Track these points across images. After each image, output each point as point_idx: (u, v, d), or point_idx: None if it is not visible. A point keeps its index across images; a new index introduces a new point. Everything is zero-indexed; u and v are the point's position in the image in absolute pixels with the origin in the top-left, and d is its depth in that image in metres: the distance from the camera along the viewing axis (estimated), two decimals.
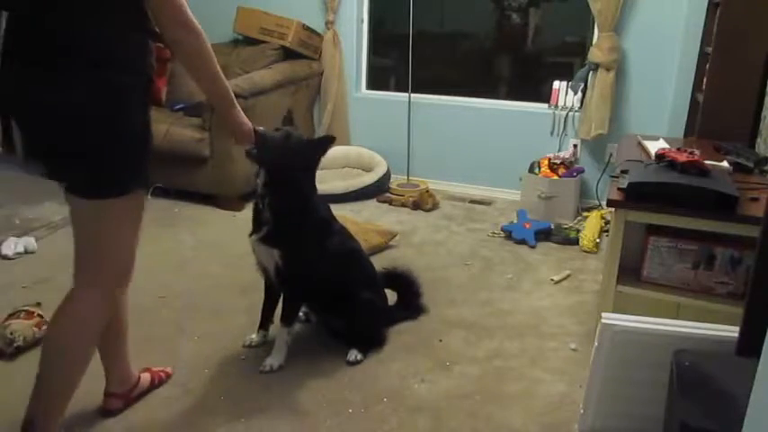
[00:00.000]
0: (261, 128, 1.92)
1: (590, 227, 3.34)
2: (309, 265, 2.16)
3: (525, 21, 4.22)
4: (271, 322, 2.33)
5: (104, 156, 1.53)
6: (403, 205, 3.83)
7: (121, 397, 1.93)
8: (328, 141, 2.13)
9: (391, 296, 2.50)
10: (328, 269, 2.20)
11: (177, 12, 1.52)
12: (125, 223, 1.64)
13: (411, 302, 2.53)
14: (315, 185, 2.18)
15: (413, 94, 4.06)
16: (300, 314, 2.36)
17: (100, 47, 1.48)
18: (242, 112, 1.78)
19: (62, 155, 1.53)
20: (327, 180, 3.99)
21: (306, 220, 2.15)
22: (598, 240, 3.26)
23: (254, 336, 2.32)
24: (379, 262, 2.60)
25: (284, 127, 2.14)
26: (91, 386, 1.84)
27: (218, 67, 1.66)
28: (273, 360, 2.16)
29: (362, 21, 4.31)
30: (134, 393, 1.96)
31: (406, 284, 2.52)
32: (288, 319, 2.20)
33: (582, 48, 3.85)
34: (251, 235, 2.19)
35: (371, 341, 2.30)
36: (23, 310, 2.28)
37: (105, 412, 1.92)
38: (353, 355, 2.22)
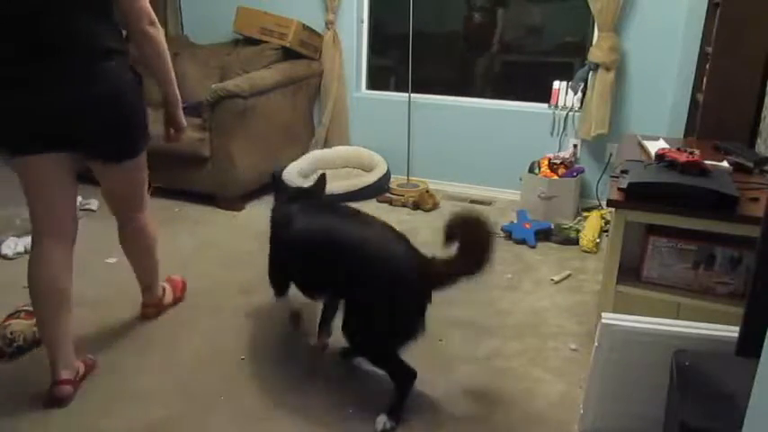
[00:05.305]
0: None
1: (590, 227, 3.34)
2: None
3: (527, 21, 4.22)
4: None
5: (139, 125, 2.01)
6: (403, 205, 3.83)
7: (73, 383, 1.98)
8: None
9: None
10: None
11: (147, 8, 1.89)
12: (145, 167, 2.15)
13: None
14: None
15: (413, 94, 4.06)
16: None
17: (117, 39, 1.90)
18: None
19: (110, 134, 1.93)
20: (327, 180, 3.99)
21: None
22: (598, 240, 3.26)
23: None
24: None
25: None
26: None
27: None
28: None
29: (362, 21, 4.31)
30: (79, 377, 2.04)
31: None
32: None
33: (582, 48, 3.85)
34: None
35: None
36: (23, 310, 2.28)
37: (55, 400, 1.93)
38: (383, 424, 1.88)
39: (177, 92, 2.08)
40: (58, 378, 1.93)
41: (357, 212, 2.09)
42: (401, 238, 1.95)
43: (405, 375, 1.91)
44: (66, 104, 1.80)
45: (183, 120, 2.14)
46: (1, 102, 1.80)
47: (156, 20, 1.92)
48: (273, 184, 2.50)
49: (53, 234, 1.93)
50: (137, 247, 2.29)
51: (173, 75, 2.03)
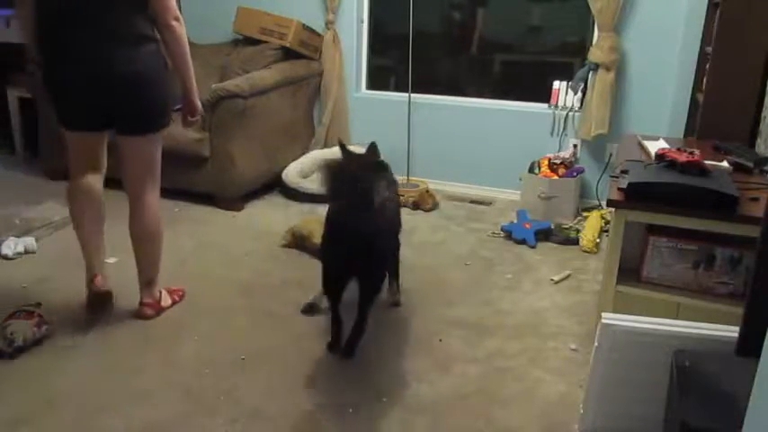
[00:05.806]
0: None
1: (590, 227, 3.34)
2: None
3: (527, 20, 4.22)
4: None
5: (163, 102, 2.31)
6: (403, 205, 3.83)
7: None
8: None
9: None
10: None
11: (173, 5, 2.18)
12: (161, 146, 2.39)
13: None
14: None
15: (413, 94, 4.06)
16: None
17: (151, 28, 2.21)
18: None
19: (138, 109, 2.25)
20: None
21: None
22: (598, 240, 3.26)
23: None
24: None
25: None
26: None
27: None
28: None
29: (362, 21, 4.31)
30: None
31: None
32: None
33: (582, 48, 3.85)
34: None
35: None
36: (23, 310, 2.28)
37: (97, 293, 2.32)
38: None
39: (194, 80, 2.33)
40: (95, 276, 2.37)
41: (368, 170, 2.31)
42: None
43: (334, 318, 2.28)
44: (111, 80, 2.15)
45: (200, 105, 2.39)
46: (60, 85, 2.20)
47: (180, 16, 2.20)
48: (340, 149, 2.57)
49: (88, 170, 2.37)
50: (146, 231, 2.40)
51: (191, 65, 2.29)
